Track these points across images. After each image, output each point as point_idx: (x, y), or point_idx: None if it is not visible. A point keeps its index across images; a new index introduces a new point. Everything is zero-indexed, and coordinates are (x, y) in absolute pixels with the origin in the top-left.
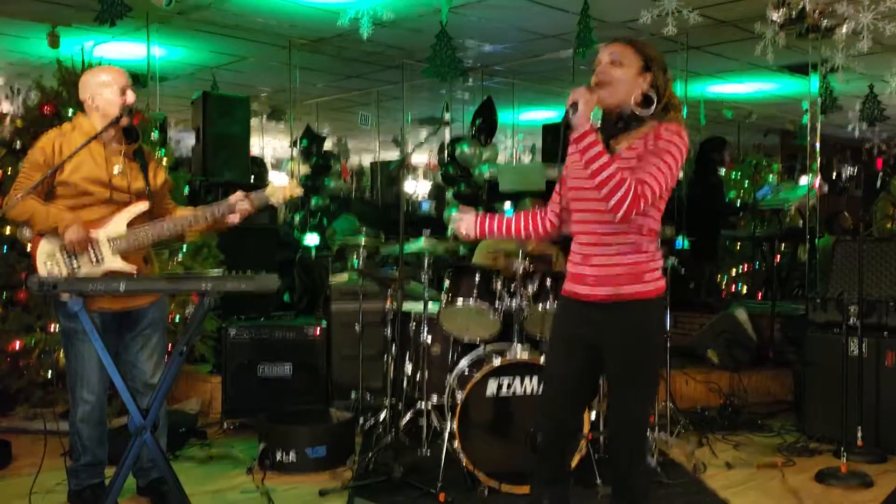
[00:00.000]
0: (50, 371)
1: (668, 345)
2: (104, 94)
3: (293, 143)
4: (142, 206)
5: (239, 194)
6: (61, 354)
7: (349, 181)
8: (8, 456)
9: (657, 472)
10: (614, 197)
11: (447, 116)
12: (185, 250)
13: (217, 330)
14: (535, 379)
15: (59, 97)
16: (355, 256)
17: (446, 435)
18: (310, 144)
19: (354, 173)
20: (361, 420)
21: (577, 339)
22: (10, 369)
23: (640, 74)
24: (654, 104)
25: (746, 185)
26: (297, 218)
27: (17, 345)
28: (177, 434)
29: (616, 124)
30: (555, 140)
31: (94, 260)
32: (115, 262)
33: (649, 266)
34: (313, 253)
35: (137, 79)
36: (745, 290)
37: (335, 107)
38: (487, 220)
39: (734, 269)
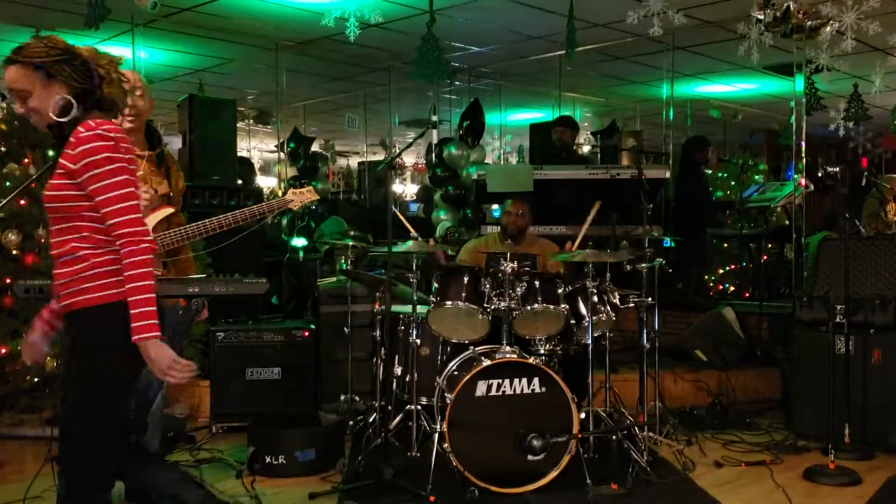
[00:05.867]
0: (36, 377)
1: (658, 344)
2: None
3: (280, 146)
4: (166, 211)
5: (262, 205)
6: (47, 360)
7: (337, 183)
8: None
9: (647, 471)
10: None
11: (434, 118)
12: None
13: (205, 333)
14: (524, 380)
15: None
16: (343, 259)
17: (436, 437)
18: (297, 147)
19: (342, 175)
20: (351, 423)
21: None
22: None
23: (48, 86)
24: (74, 107)
25: (733, 185)
26: (284, 220)
27: (3, 350)
28: (165, 438)
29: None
30: (542, 141)
31: None
32: None
33: (91, 273)
34: (301, 255)
35: None
36: (732, 290)
37: (322, 109)
38: None
39: (721, 269)
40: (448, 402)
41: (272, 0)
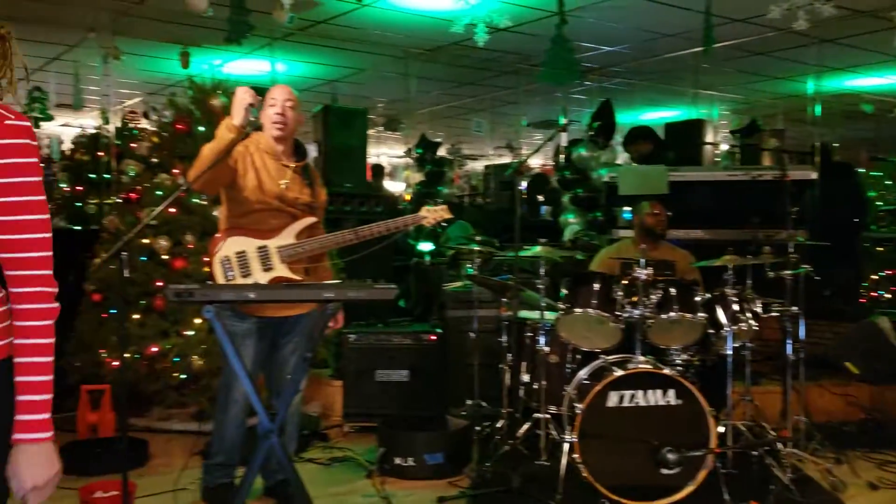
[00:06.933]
0: (184, 374)
1: (803, 355)
2: (263, 111)
3: (407, 152)
4: (309, 220)
5: (398, 220)
6: (194, 358)
7: (462, 187)
8: (145, 454)
9: (791, 489)
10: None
11: (565, 121)
12: None
13: (337, 335)
14: (658, 391)
15: (190, 115)
16: (469, 263)
17: (566, 446)
18: (424, 152)
19: (468, 179)
20: (478, 428)
21: None
22: (147, 372)
23: None
24: None
25: (888, 185)
26: None
27: (154, 349)
28: (301, 436)
29: None
30: (677, 141)
31: (264, 267)
32: (282, 270)
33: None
34: (427, 259)
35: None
36: (888, 297)
37: (449, 114)
38: None
39: (875, 274)
40: (578, 411)
41: (403, 9)
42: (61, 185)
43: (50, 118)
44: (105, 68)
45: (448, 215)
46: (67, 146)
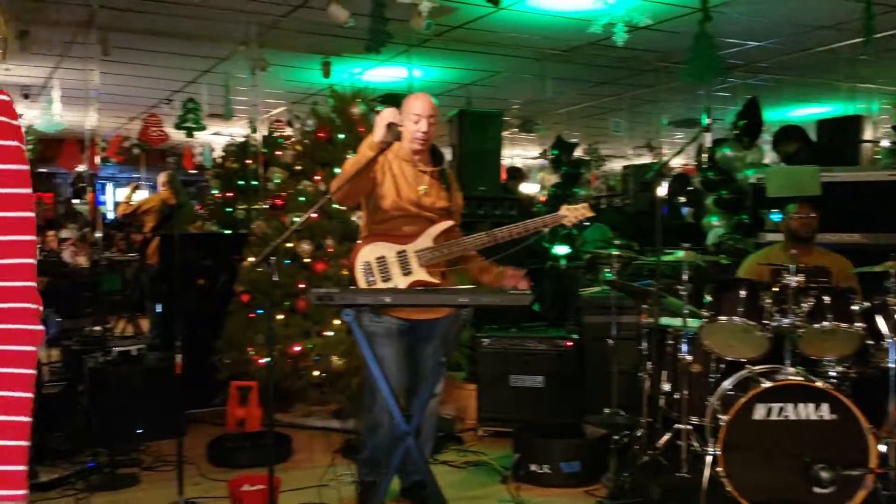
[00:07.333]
0: (324, 373)
1: None
2: (403, 121)
3: (543, 153)
4: (447, 224)
5: (537, 220)
6: (333, 358)
7: (599, 188)
8: (289, 450)
9: None
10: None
11: (708, 121)
12: None
13: (471, 339)
14: (811, 405)
15: (331, 123)
16: (607, 268)
17: (708, 458)
18: (560, 153)
19: (605, 180)
20: (615, 437)
21: None
22: (290, 370)
23: None
24: None
25: None
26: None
27: (297, 348)
28: (436, 438)
29: None
30: (832, 139)
31: (404, 271)
32: (421, 274)
33: None
34: (563, 263)
35: (398, 100)
36: None
37: (585, 114)
38: None
39: None
40: (722, 423)
41: (539, 11)
42: (213, 192)
43: (202, 128)
44: (253, 79)
45: (590, 213)
46: (218, 154)
